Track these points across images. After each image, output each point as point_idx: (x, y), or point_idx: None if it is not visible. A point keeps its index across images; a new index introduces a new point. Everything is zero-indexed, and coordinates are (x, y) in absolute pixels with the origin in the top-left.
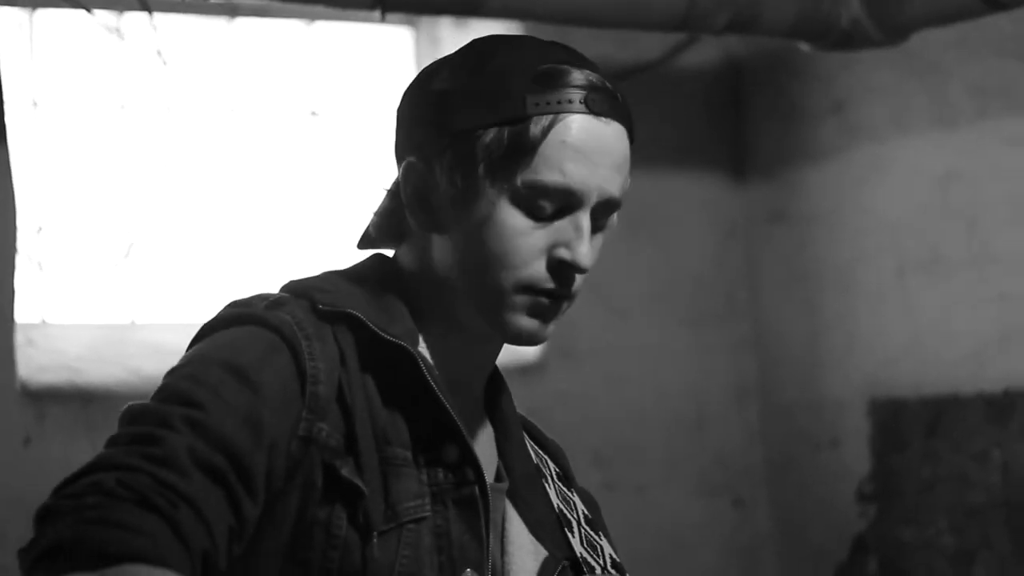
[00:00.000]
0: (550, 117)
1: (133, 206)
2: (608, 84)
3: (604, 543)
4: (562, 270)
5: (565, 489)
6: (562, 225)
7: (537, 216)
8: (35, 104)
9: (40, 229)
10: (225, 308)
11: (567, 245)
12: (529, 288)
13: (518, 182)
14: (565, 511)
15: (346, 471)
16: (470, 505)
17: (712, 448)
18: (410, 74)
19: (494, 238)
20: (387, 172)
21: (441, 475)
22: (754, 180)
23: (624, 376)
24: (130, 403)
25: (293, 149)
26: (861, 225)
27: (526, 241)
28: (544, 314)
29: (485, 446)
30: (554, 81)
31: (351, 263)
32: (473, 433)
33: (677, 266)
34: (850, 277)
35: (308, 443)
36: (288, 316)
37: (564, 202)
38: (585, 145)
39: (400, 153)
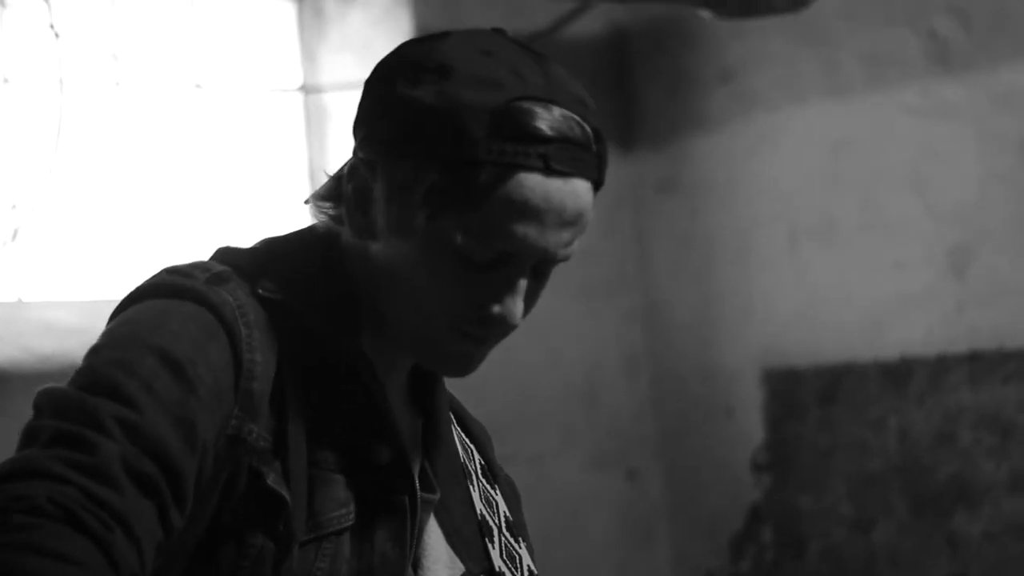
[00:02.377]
0: (502, 169)
1: (19, 182)
2: (583, 125)
3: (523, 552)
4: (492, 322)
5: (489, 488)
6: (497, 278)
7: (472, 264)
8: None
9: None
10: (162, 273)
11: (499, 301)
12: (456, 331)
13: (457, 229)
14: (488, 516)
15: (271, 479)
16: (397, 514)
17: (605, 419)
18: (293, 48)
19: (424, 278)
20: (267, 144)
21: (370, 480)
22: (643, 150)
23: (516, 347)
24: (49, 387)
25: (178, 121)
26: (753, 193)
27: (456, 290)
28: (471, 355)
29: (412, 441)
30: (516, 127)
31: (292, 228)
32: (404, 428)
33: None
34: (742, 246)
35: (235, 443)
36: (230, 297)
37: (503, 258)
38: (536, 208)
39: (355, 134)
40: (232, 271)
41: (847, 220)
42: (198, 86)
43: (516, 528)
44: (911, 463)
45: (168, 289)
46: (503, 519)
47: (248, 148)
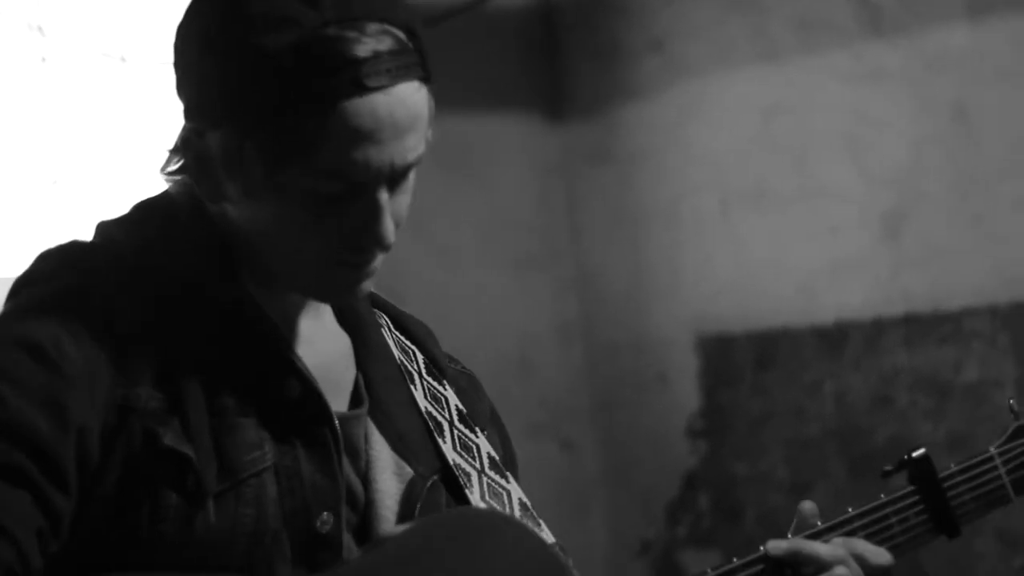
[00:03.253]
0: (320, 106)
1: None
2: (389, 28)
3: (480, 439)
4: (366, 247)
5: (435, 384)
6: (357, 205)
7: (327, 200)
8: None
9: None
10: (33, 263)
11: (366, 226)
12: (335, 264)
13: (300, 175)
14: (435, 412)
15: (168, 438)
16: (319, 443)
17: (538, 390)
18: None
19: (287, 227)
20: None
21: (284, 415)
22: (572, 120)
23: (448, 318)
24: None
25: (102, 96)
26: (685, 161)
27: (321, 228)
28: (357, 279)
29: (339, 362)
30: (319, 61)
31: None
32: (319, 356)
33: (498, 207)
34: (674, 213)
35: (126, 412)
36: (96, 275)
37: (355, 186)
38: (367, 130)
39: (179, 97)
40: (103, 244)
41: (780, 186)
42: (123, 59)
43: (474, 418)
44: (848, 427)
45: (39, 278)
46: (455, 413)
47: (173, 122)
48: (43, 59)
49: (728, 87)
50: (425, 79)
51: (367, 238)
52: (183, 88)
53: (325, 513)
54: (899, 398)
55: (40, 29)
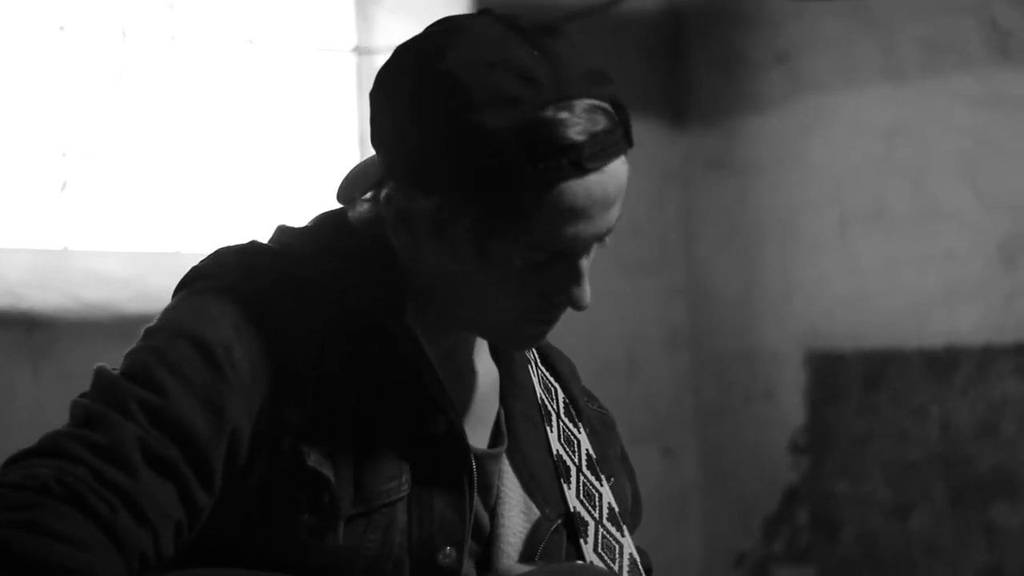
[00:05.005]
0: (541, 187)
1: (71, 130)
2: (602, 106)
3: (604, 489)
4: (561, 308)
5: (571, 427)
6: (558, 271)
7: (531, 267)
8: None
9: None
10: (210, 257)
11: (565, 291)
12: (526, 320)
13: (511, 244)
14: (565, 456)
15: (313, 459)
16: (455, 480)
17: (642, 395)
18: (348, 8)
19: (486, 289)
20: (320, 100)
21: (426, 449)
22: (694, 127)
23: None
24: (100, 367)
25: (229, 77)
26: (803, 176)
27: (522, 291)
28: (542, 333)
29: (487, 398)
30: (543, 143)
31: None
32: (469, 390)
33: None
34: (790, 228)
35: (275, 422)
36: (268, 283)
37: (561, 256)
38: (583, 207)
39: (377, 152)
40: (280, 252)
41: (898, 207)
42: (251, 41)
43: (601, 464)
44: (952, 452)
45: (212, 276)
46: (584, 458)
47: (299, 107)
48: (172, 36)
49: (851, 104)
50: (630, 146)
51: (565, 301)
52: (386, 145)
53: (448, 547)
54: (1006, 428)
55: (170, 5)
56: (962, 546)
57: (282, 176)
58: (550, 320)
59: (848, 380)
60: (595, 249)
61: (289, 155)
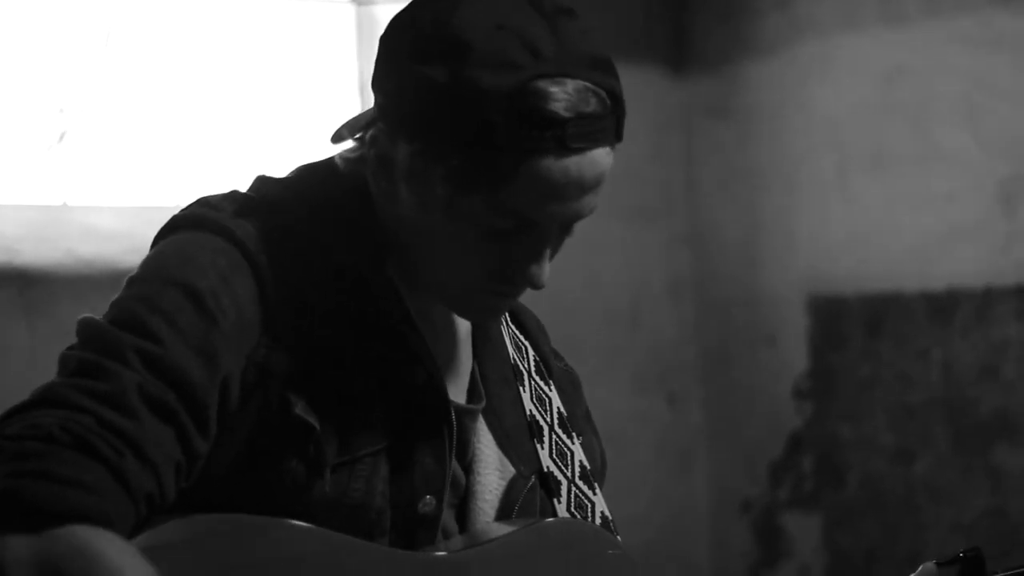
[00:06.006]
0: (521, 154)
1: (65, 85)
2: (598, 92)
3: (576, 447)
4: (519, 283)
5: (542, 385)
6: (523, 244)
7: (495, 233)
8: None
9: None
10: (192, 205)
11: (522, 265)
12: (483, 290)
13: (479, 206)
14: (538, 416)
15: (299, 407)
16: (435, 431)
17: (647, 343)
18: None
19: (449, 245)
20: (319, 51)
21: (407, 401)
22: (695, 73)
23: (558, 268)
24: (86, 317)
25: (227, 30)
26: (804, 121)
27: (482, 256)
28: (498, 307)
29: (462, 354)
30: (532, 111)
31: (321, 157)
32: (447, 344)
33: (615, 158)
34: (791, 172)
35: (264, 372)
36: (253, 229)
37: (526, 228)
38: (556, 185)
39: (375, 92)
40: (263, 201)
41: (898, 150)
42: None
43: (571, 423)
44: (954, 396)
45: (198, 221)
46: (555, 416)
47: (298, 59)
48: None
49: (851, 48)
50: (617, 139)
51: (522, 276)
52: (383, 87)
53: (428, 496)
54: (1007, 370)
55: None
56: (965, 489)
57: (281, 128)
58: (506, 295)
59: (850, 324)
60: (561, 237)
61: (288, 107)
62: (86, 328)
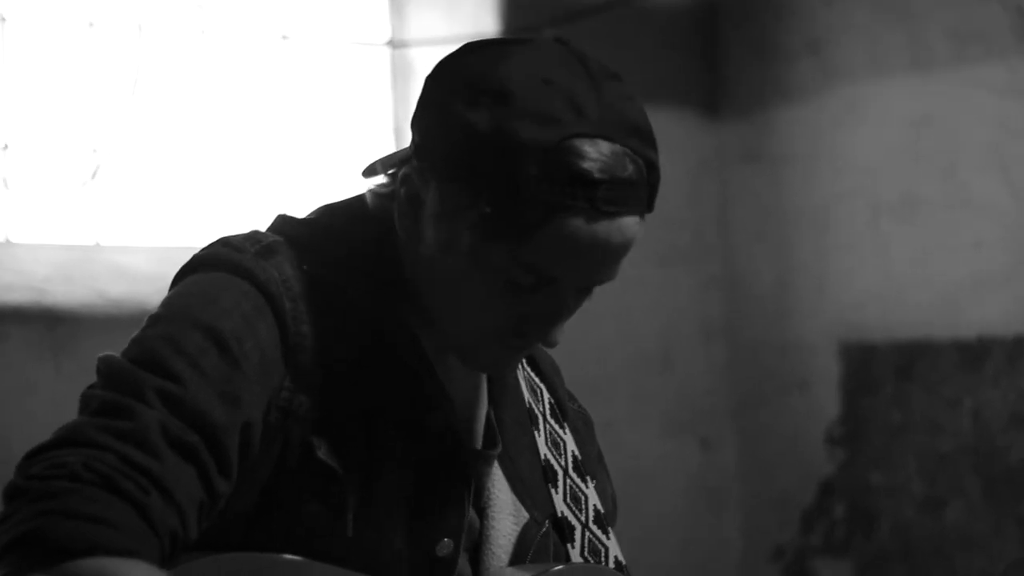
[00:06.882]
0: (550, 209)
1: (100, 125)
2: (635, 159)
3: (590, 491)
4: (532, 339)
5: (557, 428)
6: (541, 300)
7: (514, 286)
8: (2, 19)
9: (6, 146)
10: (214, 245)
11: (538, 323)
12: (496, 341)
13: (503, 253)
14: (552, 460)
15: (322, 451)
16: (453, 476)
17: (679, 387)
18: (381, 2)
19: (467, 292)
20: (352, 97)
21: (426, 446)
22: (728, 118)
23: (592, 312)
24: (107, 355)
25: (263, 72)
26: (836, 167)
27: (499, 308)
28: (508, 361)
29: (477, 398)
30: (566, 168)
31: (350, 194)
32: (464, 388)
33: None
34: (823, 219)
35: (286, 415)
36: (276, 272)
37: (547, 286)
38: (582, 247)
39: (412, 131)
40: (284, 243)
41: (928, 197)
42: (285, 37)
43: (585, 465)
44: (984, 444)
45: (220, 262)
46: (570, 460)
47: (333, 101)
48: (202, 31)
49: (880, 94)
50: (648, 208)
51: (538, 333)
52: (422, 126)
53: (446, 539)
54: None
55: (199, 4)
56: (996, 538)
57: (316, 171)
58: (518, 348)
59: (881, 371)
60: (580, 299)
61: (323, 148)
62: (108, 367)
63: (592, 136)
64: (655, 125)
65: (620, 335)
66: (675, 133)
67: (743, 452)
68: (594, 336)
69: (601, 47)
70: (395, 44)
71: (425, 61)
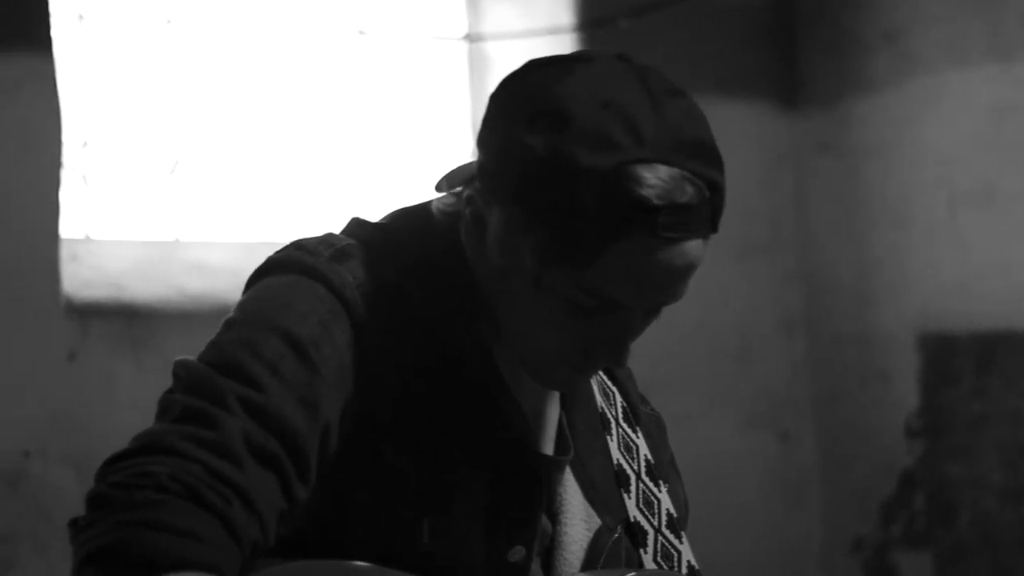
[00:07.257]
0: (611, 235)
1: (179, 121)
2: (696, 182)
3: (663, 495)
4: (599, 361)
5: (629, 433)
6: (604, 322)
7: (578, 309)
8: (81, 17)
9: (86, 143)
10: (288, 247)
11: (603, 346)
12: (562, 361)
13: (565, 278)
14: (625, 464)
15: (394, 457)
16: (525, 482)
17: (758, 380)
18: None
19: (533, 314)
20: (429, 92)
21: (500, 454)
22: (805, 110)
23: (669, 306)
24: (185, 359)
25: (340, 68)
26: (913, 157)
27: (564, 330)
28: (576, 380)
29: (549, 404)
30: (625, 194)
31: (422, 198)
32: (536, 395)
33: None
34: (901, 210)
35: (359, 420)
36: (351, 276)
37: (611, 309)
38: (644, 270)
39: (478, 149)
40: (358, 247)
41: (1008, 186)
42: (362, 32)
43: (658, 470)
44: None
45: (295, 266)
46: (643, 464)
47: (410, 96)
48: (279, 27)
49: (959, 84)
50: (713, 230)
51: (604, 354)
52: (486, 147)
53: (519, 546)
54: None
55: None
56: None
57: (394, 166)
58: (584, 370)
59: (962, 362)
60: (647, 320)
61: (401, 145)
62: (188, 372)
63: (650, 161)
64: (731, 118)
65: (698, 328)
66: (752, 126)
67: (822, 445)
68: (672, 329)
69: (676, 39)
70: (471, 38)
71: (501, 55)
